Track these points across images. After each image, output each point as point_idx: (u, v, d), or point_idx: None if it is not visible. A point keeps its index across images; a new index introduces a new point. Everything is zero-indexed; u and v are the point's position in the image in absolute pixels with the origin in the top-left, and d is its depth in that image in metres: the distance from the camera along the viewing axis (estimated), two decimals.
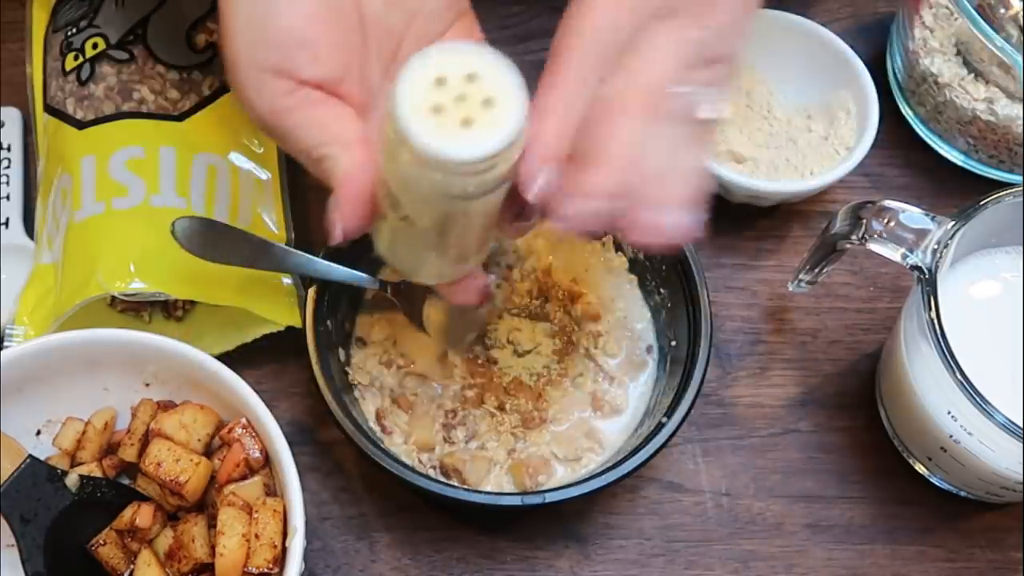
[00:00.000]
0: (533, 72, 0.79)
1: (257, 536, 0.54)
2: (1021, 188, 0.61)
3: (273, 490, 0.58)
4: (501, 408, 0.64)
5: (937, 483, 0.66)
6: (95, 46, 0.66)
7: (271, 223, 0.67)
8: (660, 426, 0.60)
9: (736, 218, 0.74)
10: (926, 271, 0.58)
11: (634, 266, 0.69)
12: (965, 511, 0.66)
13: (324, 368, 0.61)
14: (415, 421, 0.64)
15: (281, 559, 0.54)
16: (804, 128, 0.74)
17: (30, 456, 0.57)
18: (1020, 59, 0.66)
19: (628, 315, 0.68)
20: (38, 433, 0.61)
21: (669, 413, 0.60)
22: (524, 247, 0.69)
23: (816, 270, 0.66)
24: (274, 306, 0.64)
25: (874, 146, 0.71)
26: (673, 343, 0.65)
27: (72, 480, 0.57)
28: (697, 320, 0.63)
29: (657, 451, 0.59)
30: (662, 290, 0.67)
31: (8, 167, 0.71)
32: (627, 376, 0.66)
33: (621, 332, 0.67)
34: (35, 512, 0.56)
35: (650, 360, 0.67)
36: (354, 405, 0.63)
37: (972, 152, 0.75)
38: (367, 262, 0.63)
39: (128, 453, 0.59)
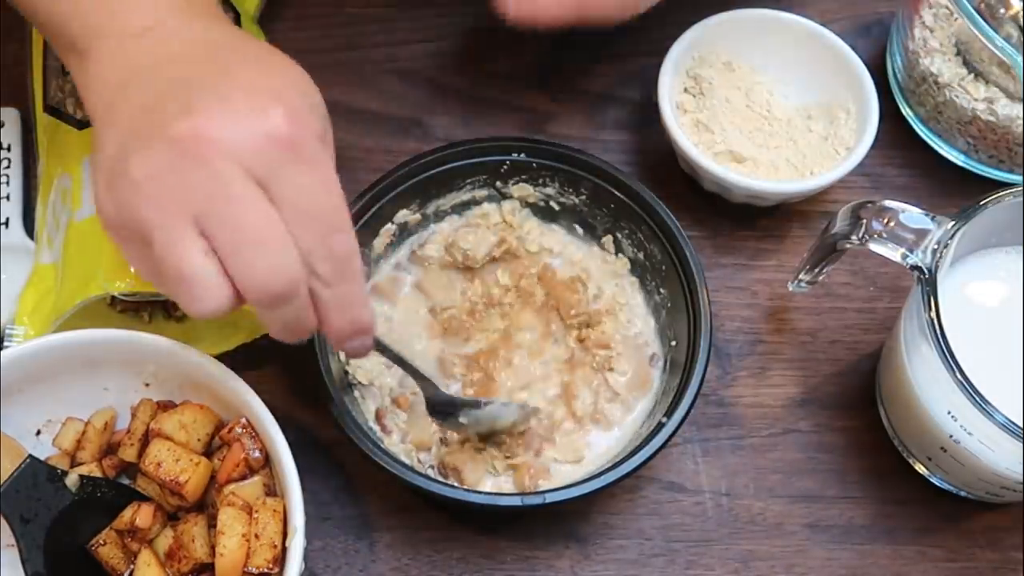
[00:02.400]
0: (534, 72, 0.79)
1: (257, 536, 0.54)
2: (1021, 188, 0.61)
3: (273, 490, 0.58)
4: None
5: (937, 483, 0.66)
6: None
7: None
8: (660, 426, 0.60)
9: (736, 218, 0.74)
10: (926, 271, 0.58)
11: (635, 267, 0.69)
12: (965, 511, 0.66)
13: (324, 368, 0.61)
14: (413, 420, 0.64)
15: (281, 559, 0.54)
16: (804, 128, 0.74)
17: (30, 456, 0.57)
18: (1020, 59, 0.66)
19: (632, 318, 0.68)
20: (38, 433, 0.61)
21: (669, 413, 0.60)
22: (521, 248, 0.69)
23: (816, 270, 0.66)
24: None
25: (874, 146, 0.71)
26: (673, 343, 0.65)
27: (72, 480, 0.57)
28: (697, 320, 0.63)
29: (657, 451, 0.59)
30: (662, 290, 0.67)
31: (8, 167, 0.71)
32: (632, 395, 0.66)
33: (631, 352, 0.67)
34: (35, 512, 0.56)
35: (655, 372, 0.66)
36: (354, 405, 0.63)
37: (972, 152, 0.75)
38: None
39: (128, 453, 0.59)
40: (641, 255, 0.68)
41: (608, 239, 0.69)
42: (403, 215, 0.68)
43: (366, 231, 0.66)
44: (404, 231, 0.69)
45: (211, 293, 0.46)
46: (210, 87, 0.48)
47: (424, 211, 0.69)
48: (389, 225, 0.68)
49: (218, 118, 0.46)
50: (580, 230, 0.70)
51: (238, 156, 0.46)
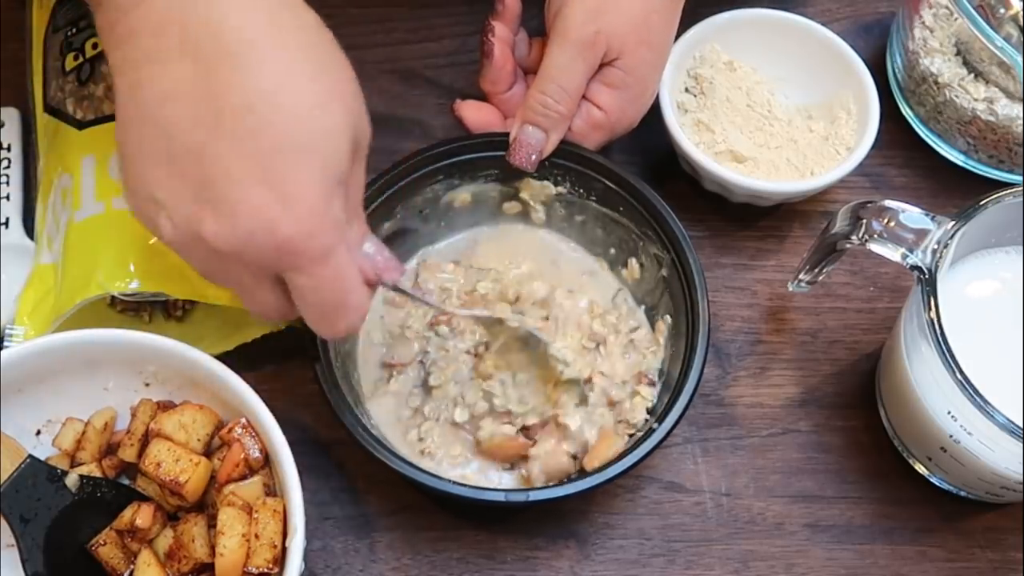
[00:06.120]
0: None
1: (257, 536, 0.54)
2: (1021, 188, 0.61)
3: (273, 490, 0.58)
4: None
5: (937, 483, 0.66)
6: (95, 46, 0.66)
7: None
8: (651, 431, 0.59)
9: (736, 218, 0.74)
10: (926, 271, 0.58)
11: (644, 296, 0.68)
12: (965, 511, 0.66)
13: (324, 367, 0.60)
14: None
15: (281, 559, 0.54)
16: (804, 128, 0.74)
17: (30, 456, 0.57)
18: (1020, 59, 0.66)
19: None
20: (38, 433, 0.61)
21: (660, 419, 0.60)
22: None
23: (816, 270, 0.66)
24: None
25: (874, 146, 0.71)
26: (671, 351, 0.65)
27: (72, 480, 0.57)
28: (695, 326, 0.62)
29: (645, 456, 0.58)
30: (667, 317, 0.66)
31: (8, 167, 0.71)
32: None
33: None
34: (35, 512, 0.56)
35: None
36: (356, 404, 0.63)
37: (972, 152, 0.75)
38: None
39: (128, 453, 0.59)
40: (648, 275, 0.67)
41: (633, 262, 0.68)
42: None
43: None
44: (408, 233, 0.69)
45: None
46: (223, 178, 0.49)
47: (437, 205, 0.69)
48: (387, 223, 0.67)
49: (226, 231, 0.49)
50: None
51: (248, 263, 0.51)
